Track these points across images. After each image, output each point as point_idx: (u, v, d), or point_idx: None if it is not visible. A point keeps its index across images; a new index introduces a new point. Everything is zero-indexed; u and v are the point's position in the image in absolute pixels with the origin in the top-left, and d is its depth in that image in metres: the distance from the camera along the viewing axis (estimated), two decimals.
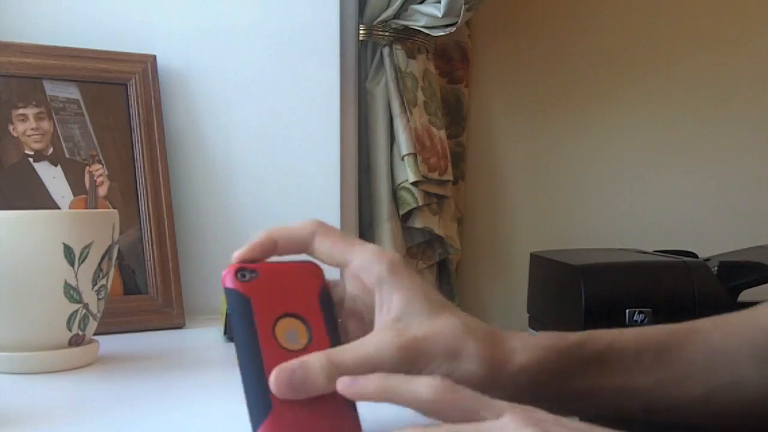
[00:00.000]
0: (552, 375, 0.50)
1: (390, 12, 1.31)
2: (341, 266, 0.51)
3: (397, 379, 0.45)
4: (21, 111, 0.96)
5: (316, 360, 0.47)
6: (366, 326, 0.52)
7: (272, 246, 0.51)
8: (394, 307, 0.50)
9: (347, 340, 0.51)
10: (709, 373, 0.51)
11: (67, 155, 0.98)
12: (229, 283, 0.49)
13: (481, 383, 0.48)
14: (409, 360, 0.48)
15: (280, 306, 0.49)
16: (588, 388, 0.51)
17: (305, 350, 0.49)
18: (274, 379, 0.46)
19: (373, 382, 0.45)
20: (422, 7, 1.30)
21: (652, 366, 0.51)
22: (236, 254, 0.50)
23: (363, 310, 0.53)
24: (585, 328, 1.18)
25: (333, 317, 0.51)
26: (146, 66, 1.05)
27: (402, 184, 1.33)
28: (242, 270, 0.49)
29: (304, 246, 0.51)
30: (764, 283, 1.27)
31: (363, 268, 0.51)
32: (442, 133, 1.41)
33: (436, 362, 0.48)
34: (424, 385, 0.44)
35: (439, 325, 0.49)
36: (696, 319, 0.54)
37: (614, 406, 0.52)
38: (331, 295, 0.52)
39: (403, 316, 0.49)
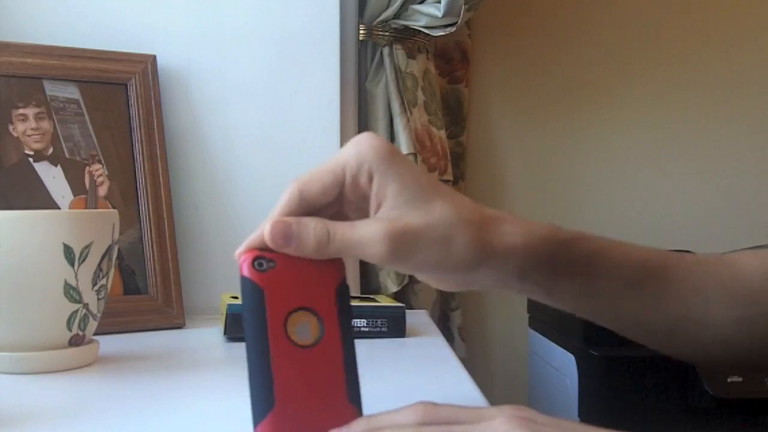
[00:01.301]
0: (540, 264, 0.51)
1: (390, 12, 1.31)
2: (346, 179, 0.50)
3: (381, 418, 0.46)
4: (21, 111, 0.96)
5: (313, 224, 0.48)
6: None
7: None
8: (388, 197, 0.49)
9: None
10: (683, 303, 0.54)
11: (67, 155, 0.98)
12: (246, 272, 0.48)
13: (470, 265, 0.49)
14: (400, 248, 0.48)
15: (294, 299, 0.48)
16: (570, 287, 0.52)
17: (315, 346, 0.48)
18: (270, 227, 0.48)
19: (359, 427, 0.46)
20: (422, 7, 1.30)
21: (633, 281, 0.53)
22: (240, 249, 0.50)
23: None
24: (585, 328, 1.18)
25: (349, 313, 0.50)
26: (146, 66, 1.05)
27: None
28: (260, 258, 0.48)
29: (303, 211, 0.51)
30: None
31: (355, 168, 0.50)
32: (442, 133, 1.41)
33: (427, 250, 0.49)
34: (406, 413, 0.45)
35: (432, 213, 0.49)
36: (683, 252, 0.56)
37: (591, 310, 0.54)
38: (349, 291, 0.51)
39: (399, 204, 0.49)
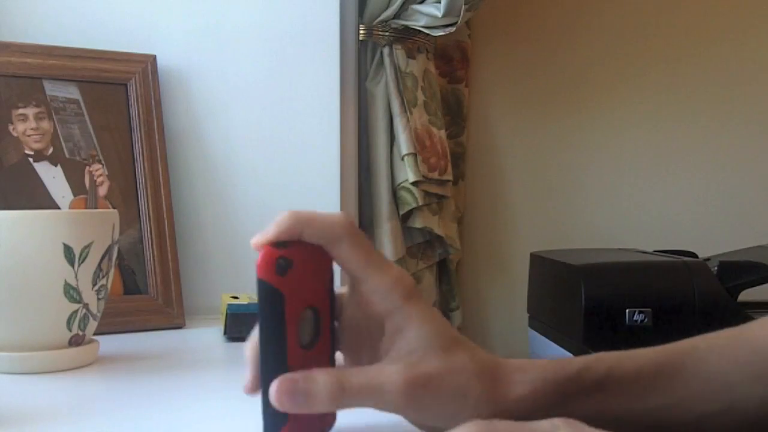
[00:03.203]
0: (551, 405, 0.49)
1: (390, 12, 1.31)
2: (356, 280, 0.48)
3: None
4: (21, 111, 0.96)
5: (322, 377, 0.45)
6: (362, 346, 0.50)
7: (298, 234, 0.47)
8: (410, 339, 0.47)
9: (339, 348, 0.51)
10: (705, 396, 0.51)
11: (67, 155, 0.98)
12: (265, 274, 0.44)
13: (483, 417, 0.47)
14: (418, 396, 0.46)
15: (304, 298, 0.46)
16: (586, 415, 0.50)
17: (313, 345, 0.47)
18: (275, 388, 0.44)
19: None
20: (422, 7, 1.30)
21: (649, 391, 0.51)
22: (258, 240, 0.46)
23: (363, 332, 0.50)
24: (585, 328, 1.18)
25: (336, 309, 0.49)
26: (146, 66, 1.05)
27: (402, 184, 1.33)
28: (280, 258, 0.45)
29: (328, 244, 0.47)
30: (764, 283, 1.27)
31: (377, 292, 0.48)
32: (442, 133, 1.41)
33: (442, 400, 0.47)
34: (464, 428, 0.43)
35: (452, 363, 0.47)
36: (692, 337, 0.54)
37: (612, 429, 0.51)
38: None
39: (417, 349, 0.47)
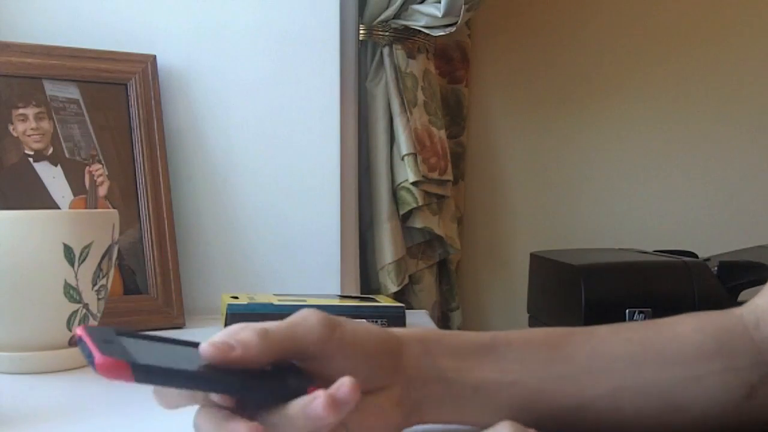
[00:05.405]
0: (447, 349, 0.50)
1: (390, 12, 1.31)
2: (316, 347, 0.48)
3: None
4: (21, 111, 0.96)
5: (242, 328, 0.48)
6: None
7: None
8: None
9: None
10: (610, 373, 0.50)
11: (67, 155, 0.98)
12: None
13: (387, 345, 0.49)
14: (331, 329, 0.47)
15: None
16: (481, 378, 0.50)
17: None
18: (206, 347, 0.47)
19: None
20: (422, 7, 1.30)
21: (541, 358, 0.51)
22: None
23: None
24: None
25: None
26: (146, 66, 1.05)
27: (402, 184, 1.33)
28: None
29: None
30: (764, 283, 1.27)
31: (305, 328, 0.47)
32: (442, 133, 1.41)
33: (360, 342, 0.48)
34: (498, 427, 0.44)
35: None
36: (606, 324, 0.54)
37: (519, 402, 0.50)
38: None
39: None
